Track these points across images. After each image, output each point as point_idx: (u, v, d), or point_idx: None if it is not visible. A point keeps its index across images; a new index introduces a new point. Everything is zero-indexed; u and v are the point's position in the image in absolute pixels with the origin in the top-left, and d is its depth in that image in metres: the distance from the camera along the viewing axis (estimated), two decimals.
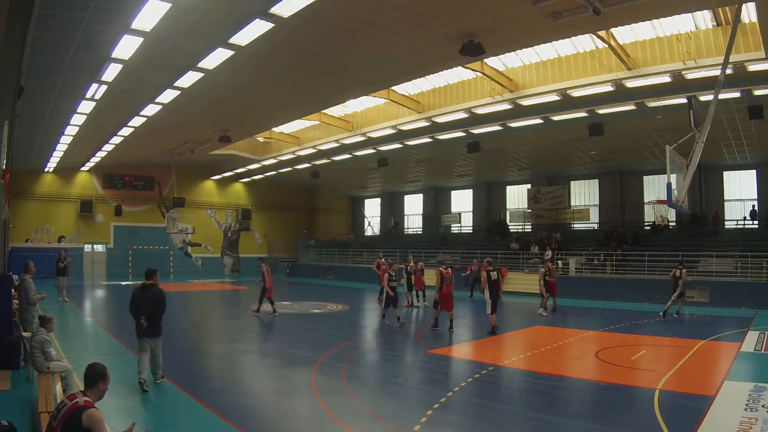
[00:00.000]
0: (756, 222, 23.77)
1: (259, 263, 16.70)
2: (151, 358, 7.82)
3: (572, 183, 30.11)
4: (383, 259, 19.58)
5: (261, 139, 28.38)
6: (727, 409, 6.63)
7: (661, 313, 15.07)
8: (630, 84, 15.16)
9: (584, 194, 30.17)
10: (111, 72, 13.39)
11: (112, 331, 13.03)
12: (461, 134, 21.65)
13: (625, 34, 14.53)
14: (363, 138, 23.35)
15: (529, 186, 31.72)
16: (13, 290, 9.70)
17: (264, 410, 7.18)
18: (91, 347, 11.19)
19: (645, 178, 27.31)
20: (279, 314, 15.69)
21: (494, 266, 14.20)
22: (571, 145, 22.81)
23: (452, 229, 36.22)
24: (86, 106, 16.67)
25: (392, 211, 40.88)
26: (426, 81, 19.12)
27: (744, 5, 10.69)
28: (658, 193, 24.92)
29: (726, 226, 24.70)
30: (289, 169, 31.20)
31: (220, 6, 10.27)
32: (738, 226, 24.43)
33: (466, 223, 35.71)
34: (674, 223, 25.61)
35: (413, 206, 39.91)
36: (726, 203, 25.35)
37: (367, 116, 22.68)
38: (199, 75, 14.17)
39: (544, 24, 11.38)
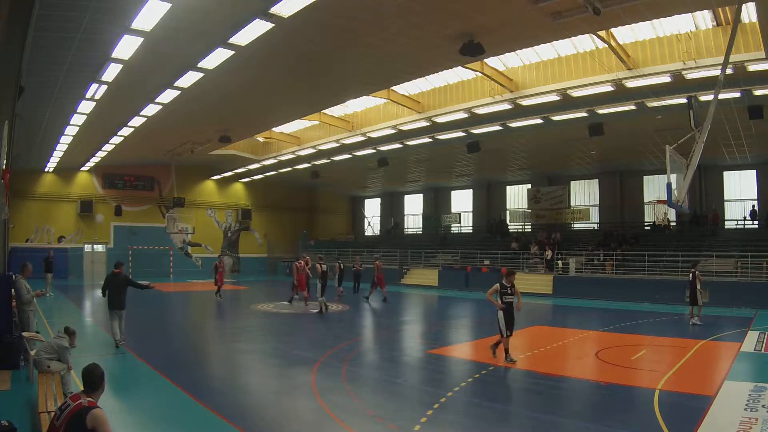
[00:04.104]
0: (756, 222, 23.79)
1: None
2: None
3: (572, 183, 30.11)
4: (307, 265, 18.51)
5: (261, 139, 28.37)
6: (727, 409, 6.63)
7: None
8: (630, 84, 15.15)
9: (584, 194, 30.17)
10: (111, 72, 13.39)
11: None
12: (461, 134, 21.64)
13: (625, 34, 14.51)
14: (363, 138, 23.34)
15: (529, 186, 31.73)
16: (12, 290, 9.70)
17: (264, 410, 7.18)
18: (90, 347, 11.16)
19: (645, 178, 27.32)
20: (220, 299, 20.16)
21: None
22: (571, 145, 22.80)
23: (452, 229, 36.24)
24: (86, 106, 16.67)
25: (392, 211, 40.87)
26: (426, 81, 19.11)
27: (744, 5, 10.69)
28: (658, 193, 24.90)
29: (726, 226, 24.72)
30: (289, 169, 31.20)
31: (220, 6, 10.27)
32: (738, 226, 24.46)
33: (466, 223, 35.73)
34: (674, 223, 25.61)
35: (413, 206, 39.91)
36: (726, 203, 25.36)
37: (367, 116, 22.67)
38: (199, 75, 14.16)
39: (544, 24, 11.39)
